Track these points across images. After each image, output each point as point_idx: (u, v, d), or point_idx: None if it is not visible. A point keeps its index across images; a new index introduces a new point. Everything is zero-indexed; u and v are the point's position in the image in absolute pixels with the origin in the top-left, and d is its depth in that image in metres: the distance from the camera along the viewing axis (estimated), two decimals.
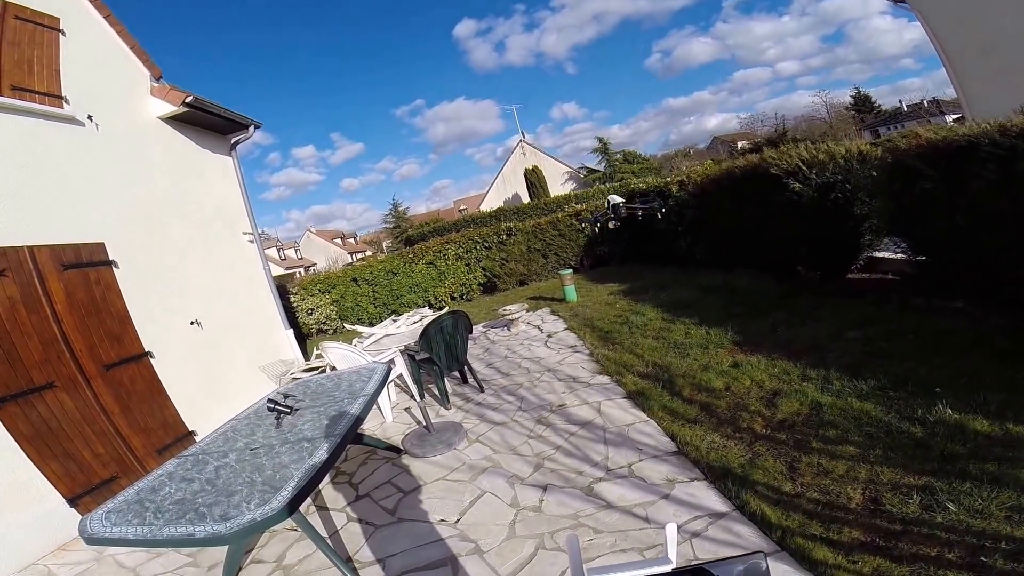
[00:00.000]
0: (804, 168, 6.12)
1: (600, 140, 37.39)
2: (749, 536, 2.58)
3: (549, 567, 2.71)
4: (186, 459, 3.39)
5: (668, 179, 10.79)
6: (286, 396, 4.25)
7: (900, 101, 45.45)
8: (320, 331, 13.02)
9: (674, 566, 0.80)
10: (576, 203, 17.50)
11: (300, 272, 39.33)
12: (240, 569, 3.24)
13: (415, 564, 2.98)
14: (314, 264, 50.76)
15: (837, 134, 29.03)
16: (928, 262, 4.97)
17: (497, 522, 3.21)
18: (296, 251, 60.39)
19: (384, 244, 47.96)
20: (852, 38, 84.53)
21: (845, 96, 46.67)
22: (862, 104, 46.12)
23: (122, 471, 4.60)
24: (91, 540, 2.57)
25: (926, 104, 40.53)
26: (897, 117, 41.64)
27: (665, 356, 5.30)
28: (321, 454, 3.01)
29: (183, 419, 5.47)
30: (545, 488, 3.46)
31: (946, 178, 4.22)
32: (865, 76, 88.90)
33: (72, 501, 4.14)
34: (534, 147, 37.20)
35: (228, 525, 2.42)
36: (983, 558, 2.08)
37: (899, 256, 5.86)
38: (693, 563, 0.75)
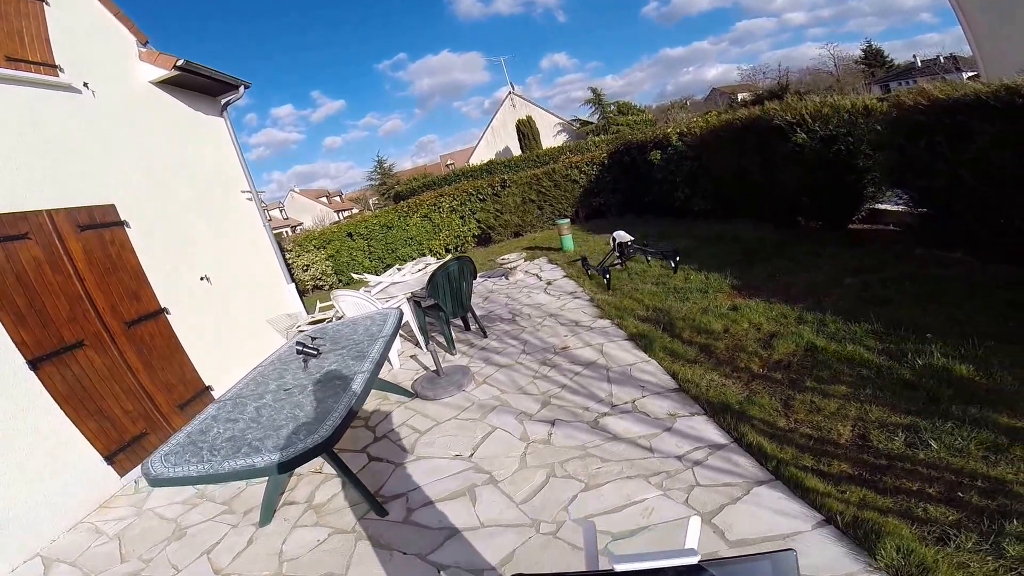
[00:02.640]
0: (808, 120, 6.13)
1: (593, 91, 36.17)
2: (746, 466, 2.75)
3: (560, 493, 2.89)
4: (225, 403, 3.50)
5: (668, 130, 10.69)
6: (313, 338, 4.39)
7: (914, 56, 43.38)
8: (316, 287, 13.00)
9: (700, 558, 0.78)
10: (571, 154, 17.36)
11: (287, 232, 38.82)
12: (275, 511, 3.42)
13: (436, 495, 3.16)
14: (300, 224, 49.95)
15: (844, 88, 28.43)
16: (930, 214, 5.06)
17: (509, 455, 3.39)
18: (281, 211, 59.16)
19: (371, 201, 47.44)
20: None
21: (856, 50, 45.33)
22: (873, 58, 44.51)
23: (150, 427, 4.76)
24: (156, 481, 2.66)
25: (942, 60, 38.99)
26: (910, 72, 39.85)
27: (665, 300, 5.44)
28: (357, 386, 3.19)
29: (200, 374, 5.63)
30: (553, 423, 3.64)
31: (950, 134, 4.27)
32: (879, 29, 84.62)
33: (108, 459, 4.28)
34: (524, 99, 36.09)
35: (284, 454, 2.57)
36: (960, 493, 2.22)
37: (901, 208, 5.95)
38: (721, 556, 0.79)
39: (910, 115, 4.67)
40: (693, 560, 0.77)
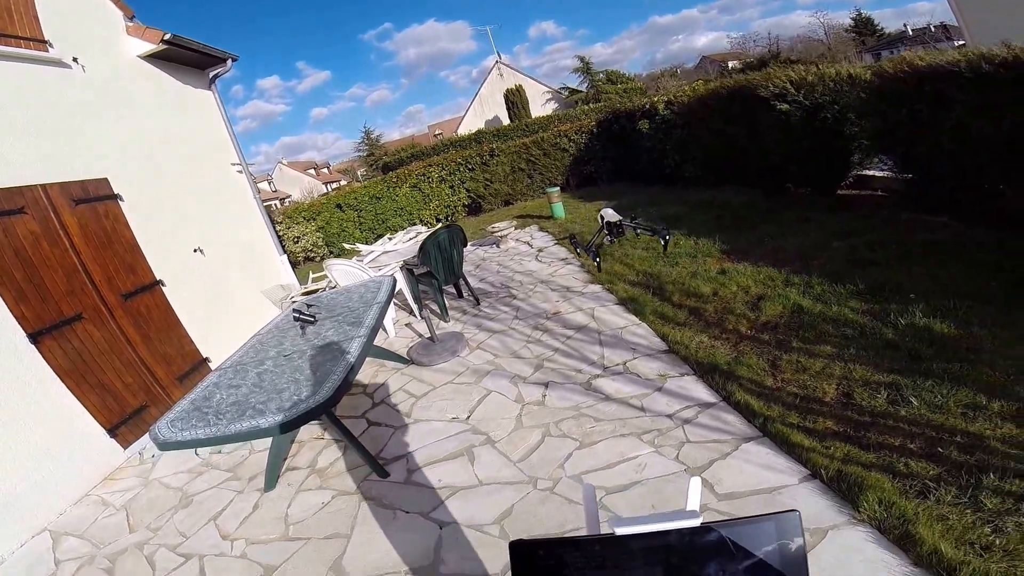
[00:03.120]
0: (791, 89, 6.14)
1: (581, 59, 35.65)
2: (735, 423, 2.84)
3: (556, 451, 2.98)
4: (226, 370, 3.54)
5: (655, 99, 10.63)
6: (309, 306, 4.44)
7: (904, 25, 42.91)
8: (307, 259, 12.93)
9: (702, 521, 0.76)
10: (560, 123, 17.18)
11: (276, 204, 38.32)
12: (279, 476, 3.48)
13: (435, 456, 3.25)
14: (289, 196, 49.26)
15: (836, 57, 28.17)
16: (914, 179, 5.13)
17: (505, 416, 3.48)
18: (270, 183, 58.16)
19: (359, 172, 46.87)
20: None
21: (846, 18, 44.68)
22: (863, 27, 44.04)
23: (150, 400, 4.80)
24: (165, 445, 2.72)
25: (932, 29, 38.64)
26: (901, 41, 39.07)
27: (655, 265, 5.51)
28: (354, 349, 3.26)
29: (197, 347, 5.65)
30: (547, 385, 3.72)
31: (931, 102, 4.34)
32: None
33: (111, 432, 4.32)
34: (511, 68, 35.61)
35: (288, 414, 2.64)
36: (940, 449, 2.29)
37: (887, 174, 6.00)
38: (723, 519, 0.78)
39: (892, 83, 4.75)
40: (695, 522, 0.75)
